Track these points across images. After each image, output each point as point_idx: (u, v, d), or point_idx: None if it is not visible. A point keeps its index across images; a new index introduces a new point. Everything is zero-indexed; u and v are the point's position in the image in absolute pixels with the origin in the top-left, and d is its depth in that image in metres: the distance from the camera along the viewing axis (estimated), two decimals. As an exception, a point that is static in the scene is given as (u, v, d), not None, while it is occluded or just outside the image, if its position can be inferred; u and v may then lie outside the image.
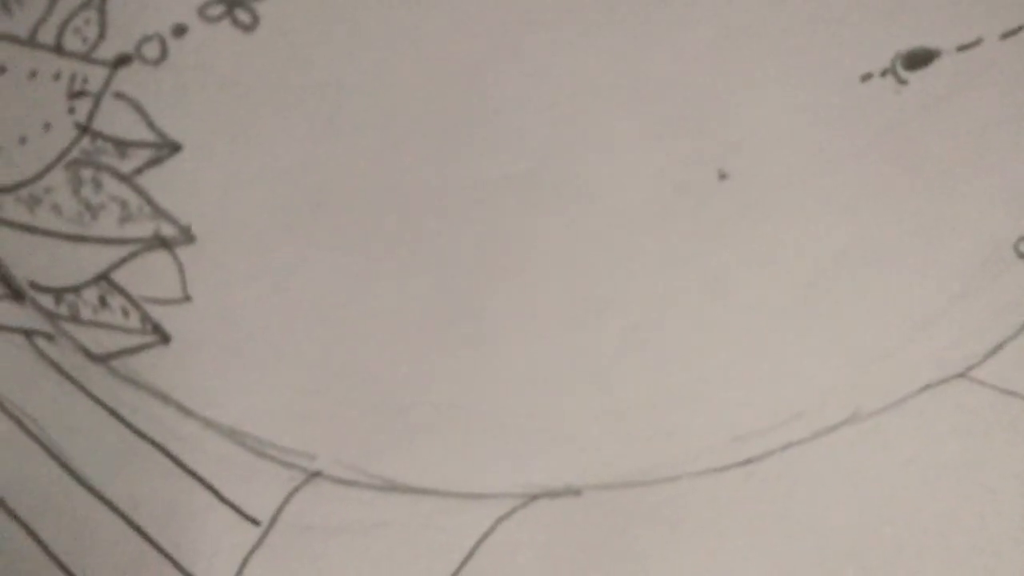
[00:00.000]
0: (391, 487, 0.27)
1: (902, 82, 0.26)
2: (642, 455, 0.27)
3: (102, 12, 0.24)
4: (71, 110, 0.24)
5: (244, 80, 0.25)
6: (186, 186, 0.25)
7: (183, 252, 0.25)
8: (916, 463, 0.28)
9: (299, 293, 0.26)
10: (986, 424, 0.28)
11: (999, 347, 0.27)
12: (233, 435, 0.26)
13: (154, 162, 0.25)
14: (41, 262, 0.25)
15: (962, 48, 0.26)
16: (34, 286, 0.25)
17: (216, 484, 0.26)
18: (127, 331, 0.25)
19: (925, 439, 0.28)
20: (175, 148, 0.25)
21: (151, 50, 0.24)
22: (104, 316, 0.25)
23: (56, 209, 0.25)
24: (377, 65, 0.25)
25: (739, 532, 0.28)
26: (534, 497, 0.27)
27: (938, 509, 0.28)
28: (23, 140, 0.24)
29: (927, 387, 0.28)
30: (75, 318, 0.25)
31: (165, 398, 0.26)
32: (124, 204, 0.25)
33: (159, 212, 0.25)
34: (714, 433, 0.28)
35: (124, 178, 0.25)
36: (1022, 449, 0.28)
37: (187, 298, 0.25)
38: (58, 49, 0.24)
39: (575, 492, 0.27)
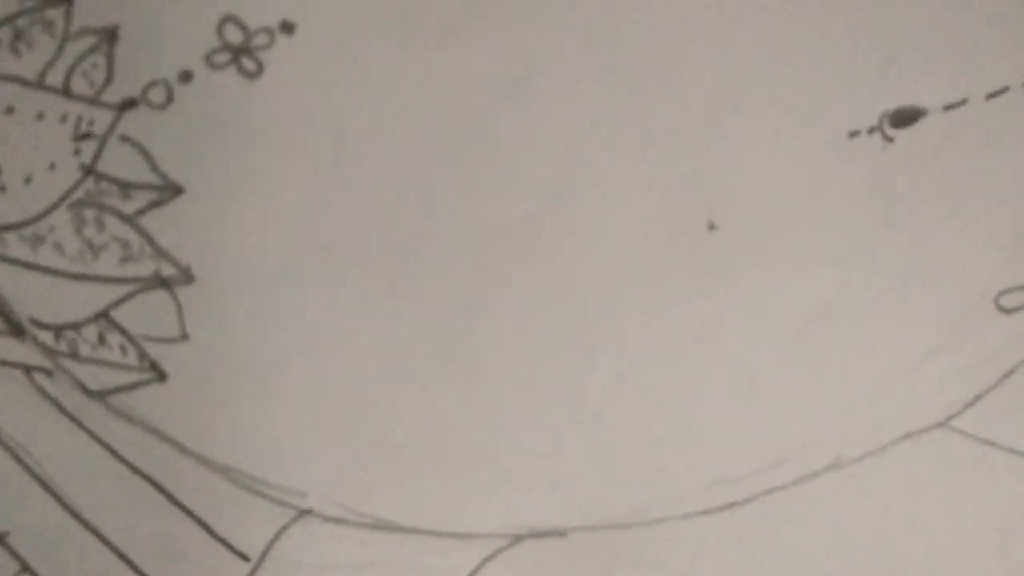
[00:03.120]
0: (380, 526, 0.27)
1: (888, 139, 0.27)
2: (628, 497, 0.28)
3: (110, 57, 0.24)
4: (77, 151, 0.25)
5: (248, 126, 0.25)
6: (187, 228, 0.25)
7: (182, 292, 0.25)
8: (896, 509, 0.29)
9: (295, 333, 0.26)
10: (965, 473, 0.28)
11: (979, 398, 0.28)
12: (226, 472, 0.26)
13: (156, 204, 0.25)
14: (42, 299, 0.25)
15: (949, 107, 0.27)
16: (34, 322, 0.26)
17: (208, 520, 0.26)
18: (125, 368, 0.26)
19: (905, 486, 0.29)
20: (178, 191, 0.25)
21: (157, 95, 0.25)
22: (102, 353, 0.26)
23: (58, 248, 0.25)
24: (378, 112, 0.26)
25: (722, 574, 0.28)
26: (520, 537, 0.28)
27: (918, 555, 0.29)
28: (28, 179, 0.25)
29: (908, 435, 0.28)
30: (74, 355, 0.26)
31: (161, 435, 0.26)
32: (126, 244, 0.25)
33: (160, 252, 0.25)
34: (699, 476, 0.28)
35: (127, 219, 0.25)
36: (1000, 498, 0.29)
37: (185, 336, 0.26)
38: (66, 92, 0.24)
39: (561, 533, 0.28)
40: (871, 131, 0.27)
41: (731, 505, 0.28)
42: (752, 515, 0.28)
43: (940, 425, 0.28)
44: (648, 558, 0.28)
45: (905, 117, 0.27)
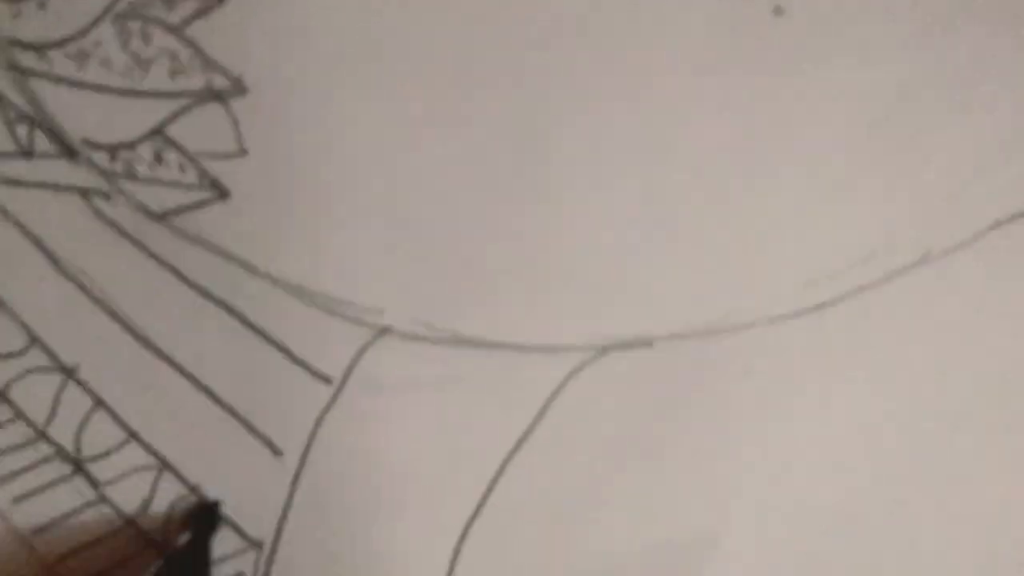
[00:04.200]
0: (461, 341, 0.26)
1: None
2: (713, 303, 0.27)
3: None
4: (115, -41, 0.24)
5: (291, -79, 0.24)
6: (235, 37, 0.24)
7: (236, 104, 0.24)
8: (988, 305, 0.28)
9: (357, 145, 0.25)
10: (1055, 260, 0.28)
11: (1068, 180, 0.27)
12: (299, 292, 0.25)
13: (201, 12, 0.24)
14: (93, 118, 0.24)
15: None
16: (87, 143, 0.25)
17: (285, 343, 0.25)
18: (185, 187, 0.25)
19: (995, 278, 0.27)
20: (222, -3, 0.24)
21: None
22: (160, 172, 0.24)
23: (106, 63, 0.24)
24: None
25: (813, 377, 0.27)
26: (606, 349, 0.27)
27: (1011, 351, 0.28)
28: (69, -8, 0.24)
29: (997, 224, 0.27)
30: (131, 175, 0.24)
31: (229, 256, 0.25)
32: (174, 56, 0.24)
33: (209, 64, 0.24)
34: (785, 279, 0.27)
35: (172, 29, 0.24)
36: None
37: (243, 151, 0.24)
38: None
39: (647, 343, 0.27)
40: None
41: (821, 306, 0.27)
42: (842, 315, 0.27)
43: (1027, 213, 0.27)
44: (737, 364, 0.27)
45: None
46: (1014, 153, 0.27)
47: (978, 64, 0.26)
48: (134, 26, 0.24)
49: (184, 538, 0.25)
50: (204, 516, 0.25)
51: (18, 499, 0.26)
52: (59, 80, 0.24)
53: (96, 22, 0.24)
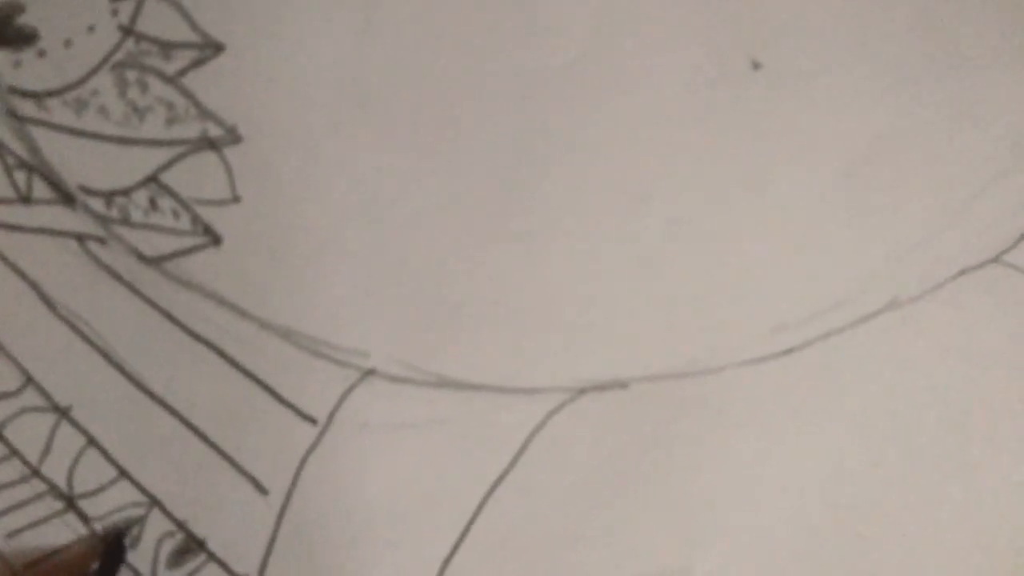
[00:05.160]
0: (444, 383, 0.27)
1: (934, -29, 0.27)
2: (687, 346, 0.28)
3: (142, -86, 0.24)
4: (115, 12, 0.24)
5: (286, -22, 0.25)
6: (230, 86, 0.25)
7: (230, 152, 0.25)
8: (954, 349, 0.29)
9: (346, 192, 0.26)
10: (1018, 306, 0.29)
11: (1031, 231, 0.28)
12: (288, 335, 0.26)
13: (198, 63, 0.24)
14: (90, 165, 0.25)
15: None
16: (84, 190, 0.25)
17: (273, 384, 0.26)
18: (178, 233, 0.25)
19: (962, 324, 0.29)
20: (219, 48, 0.25)
21: (192, -51, 0.24)
22: (155, 218, 0.25)
23: (103, 112, 0.25)
24: (416, -38, 0.25)
25: (782, 419, 0.28)
26: (583, 390, 0.28)
27: (977, 393, 0.29)
28: (68, 43, 0.24)
29: (963, 272, 0.28)
30: (126, 221, 0.25)
31: (219, 299, 0.26)
32: (170, 105, 0.25)
33: (205, 112, 0.25)
34: (756, 323, 0.28)
35: (169, 79, 0.25)
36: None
37: (236, 198, 0.25)
38: (99, -48, 0.24)
39: (622, 385, 0.28)
40: (916, -36, 0.27)
41: (790, 350, 0.28)
42: (810, 359, 0.28)
43: (993, 261, 0.28)
44: (709, 406, 0.28)
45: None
46: (981, 203, 0.28)
47: (949, 116, 0.27)
48: (132, 75, 0.25)
49: (94, 567, 0.26)
50: (112, 549, 0.26)
51: (12, 534, 0.26)
52: (57, 128, 0.25)
53: (94, 71, 0.24)
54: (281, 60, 0.25)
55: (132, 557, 0.26)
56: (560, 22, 0.25)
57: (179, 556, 0.26)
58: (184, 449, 0.26)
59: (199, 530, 0.26)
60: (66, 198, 0.25)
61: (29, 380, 0.26)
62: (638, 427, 0.28)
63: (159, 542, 0.26)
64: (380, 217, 0.26)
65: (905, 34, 0.27)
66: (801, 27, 0.27)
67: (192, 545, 0.26)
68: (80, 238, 0.25)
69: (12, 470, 0.26)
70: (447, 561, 0.27)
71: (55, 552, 0.26)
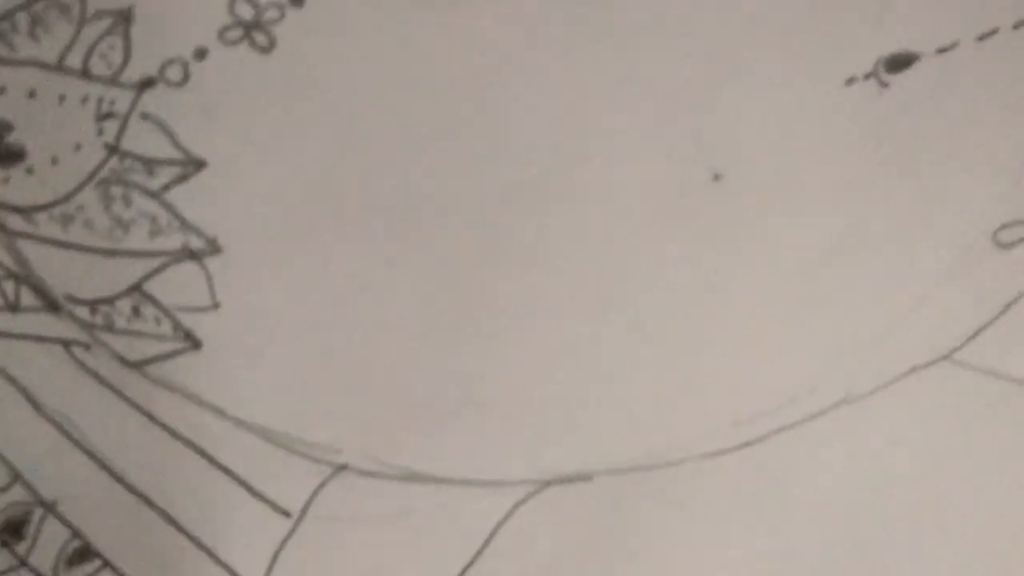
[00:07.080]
0: (413, 477, 0.28)
1: (884, 85, 0.28)
2: (648, 440, 0.29)
3: (126, 38, 0.25)
4: (100, 131, 0.25)
5: (263, 99, 0.25)
6: (211, 200, 0.26)
7: (210, 262, 0.26)
8: (905, 443, 0.30)
9: (320, 297, 0.27)
10: (969, 403, 0.30)
11: (979, 331, 0.29)
12: (264, 433, 0.27)
13: (181, 179, 0.26)
14: (76, 276, 0.26)
15: (941, 50, 0.28)
16: (70, 298, 0.26)
17: (249, 480, 0.27)
18: (160, 338, 0.27)
19: (913, 419, 0.30)
20: (200, 165, 0.26)
21: (174, 73, 0.25)
22: (137, 325, 0.26)
23: (88, 225, 0.26)
24: (388, 81, 0.26)
25: (741, 510, 0.29)
26: (548, 483, 0.29)
27: (928, 487, 0.30)
28: (55, 161, 0.25)
29: (913, 370, 0.29)
30: (110, 327, 0.26)
31: (198, 400, 0.27)
32: (154, 219, 0.26)
33: (187, 225, 0.26)
34: (715, 418, 0.29)
35: (153, 195, 0.26)
36: (1003, 426, 0.30)
37: (216, 305, 0.26)
38: (85, 74, 0.25)
39: (586, 478, 0.29)
40: (867, 77, 0.27)
41: (746, 444, 0.29)
42: (766, 453, 0.29)
43: (944, 359, 0.29)
44: (670, 497, 0.29)
45: (899, 62, 0.28)
46: (932, 303, 0.29)
47: (900, 220, 0.29)
48: (117, 191, 0.26)
49: None
50: None
51: (-1, 624, 0.28)
52: (45, 241, 0.26)
53: (80, 187, 0.25)
54: (260, 175, 0.26)
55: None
56: (525, 139, 0.27)
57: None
58: (163, 540, 0.27)
59: (177, 619, 0.28)
60: (52, 306, 0.26)
61: (17, 476, 0.27)
62: (601, 518, 0.29)
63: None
64: (351, 320, 0.27)
65: (859, 146, 0.28)
66: (762, 140, 0.28)
67: (171, 635, 0.28)
68: (66, 344, 0.27)
69: (2, 560, 0.27)
70: (414, 652, 0.28)
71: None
